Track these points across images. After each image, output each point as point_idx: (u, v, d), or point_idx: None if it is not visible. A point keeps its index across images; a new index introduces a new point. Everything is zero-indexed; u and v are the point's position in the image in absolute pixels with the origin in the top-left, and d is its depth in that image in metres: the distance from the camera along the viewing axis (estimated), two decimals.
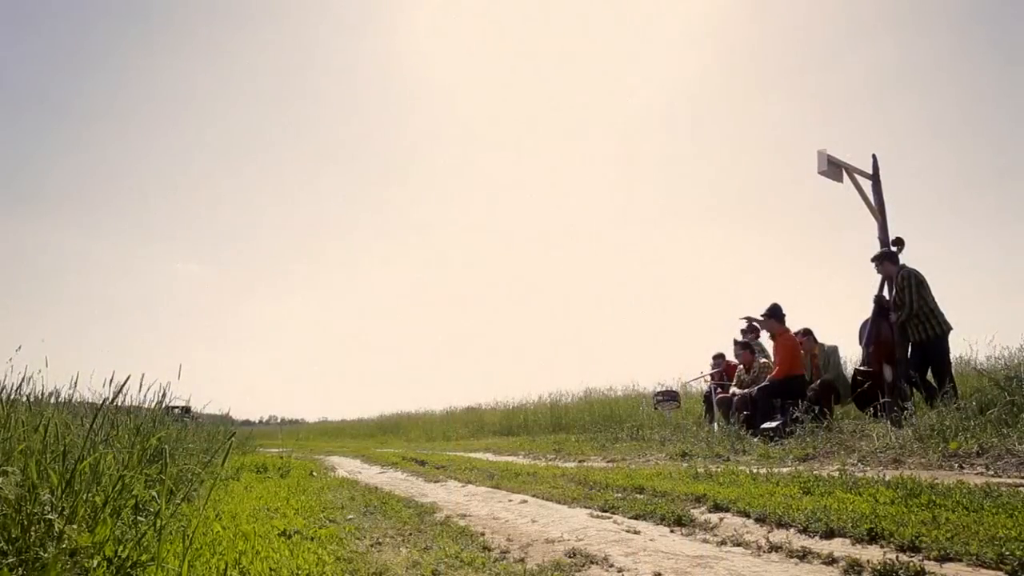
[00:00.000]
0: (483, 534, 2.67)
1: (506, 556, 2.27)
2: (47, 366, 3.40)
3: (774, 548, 2.12)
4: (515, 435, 12.38)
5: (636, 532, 2.56)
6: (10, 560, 1.48)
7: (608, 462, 5.74)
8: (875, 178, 6.31)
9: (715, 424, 7.16)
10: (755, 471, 3.71)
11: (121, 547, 1.69)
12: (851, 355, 7.47)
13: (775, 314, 6.76)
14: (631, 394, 12.22)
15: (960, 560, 1.80)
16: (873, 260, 5.98)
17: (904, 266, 5.76)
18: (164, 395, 4.25)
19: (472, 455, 8.13)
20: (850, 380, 6.35)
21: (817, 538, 2.21)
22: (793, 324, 6.92)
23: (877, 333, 5.91)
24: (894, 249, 5.92)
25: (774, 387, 6.46)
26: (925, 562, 1.80)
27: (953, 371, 5.76)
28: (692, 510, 2.85)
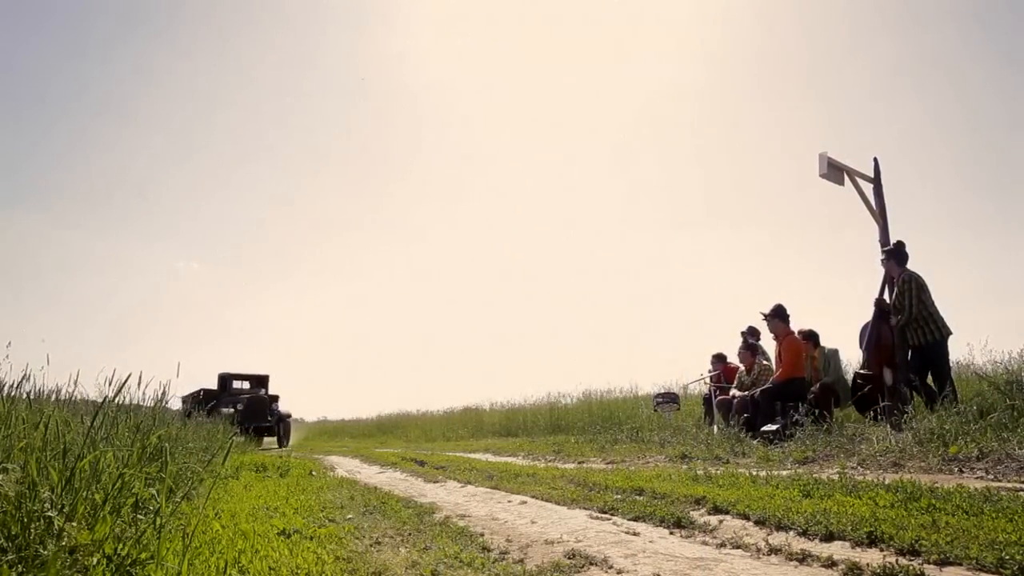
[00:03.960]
0: (482, 535, 2.67)
1: (505, 557, 2.26)
2: (48, 363, 3.40)
3: (774, 551, 2.12)
4: (514, 436, 12.37)
5: (635, 534, 2.56)
6: (10, 557, 1.49)
7: (608, 464, 5.74)
8: (876, 181, 6.31)
9: (715, 426, 7.16)
10: (755, 473, 3.71)
11: (121, 545, 1.69)
12: (851, 358, 7.49)
13: (779, 314, 6.73)
14: (631, 396, 12.20)
15: (960, 564, 1.79)
16: (883, 252, 5.96)
17: (906, 269, 5.77)
18: (164, 393, 4.25)
19: (471, 456, 8.14)
20: (850, 383, 6.35)
21: (817, 541, 2.21)
22: (794, 326, 6.91)
23: (877, 336, 5.91)
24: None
25: (776, 389, 6.45)
26: (925, 566, 1.80)
27: (953, 375, 5.76)
28: (692, 512, 2.85)
